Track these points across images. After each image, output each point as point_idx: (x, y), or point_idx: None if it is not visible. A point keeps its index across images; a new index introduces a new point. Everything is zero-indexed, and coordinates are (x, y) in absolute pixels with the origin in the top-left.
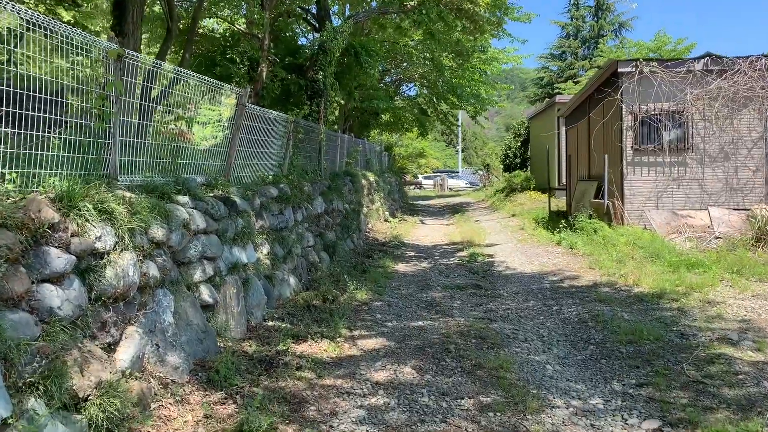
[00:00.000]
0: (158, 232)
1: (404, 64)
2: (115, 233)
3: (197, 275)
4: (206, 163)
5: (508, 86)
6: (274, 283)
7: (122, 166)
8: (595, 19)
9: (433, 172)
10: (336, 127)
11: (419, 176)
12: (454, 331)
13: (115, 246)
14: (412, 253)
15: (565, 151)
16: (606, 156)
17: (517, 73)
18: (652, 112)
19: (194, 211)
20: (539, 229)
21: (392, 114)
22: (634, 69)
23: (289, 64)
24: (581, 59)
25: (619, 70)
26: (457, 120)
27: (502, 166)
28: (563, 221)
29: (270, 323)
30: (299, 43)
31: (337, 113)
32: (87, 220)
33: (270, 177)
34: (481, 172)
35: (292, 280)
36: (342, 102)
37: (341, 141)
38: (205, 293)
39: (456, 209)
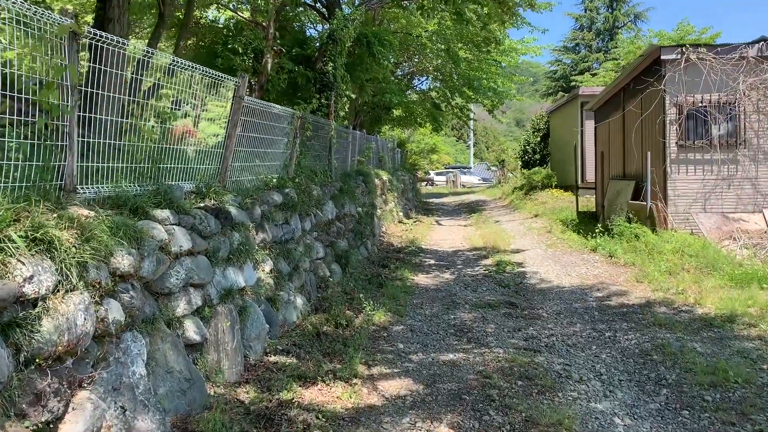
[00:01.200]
0: (124, 260)
1: (416, 58)
2: (57, 270)
3: (181, 308)
4: (198, 167)
5: (526, 78)
6: (278, 307)
7: (86, 173)
8: (610, 10)
9: (445, 168)
10: (346, 123)
11: (431, 173)
12: (493, 368)
13: (56, 288)
14: (432, 261)
15: (594, 147)
16: (649, 153)
17: (527, 67)
18: (700, 104)
19: (177, 228)
20: (568, 232)
21: (405, 108)
22: (679, 56)
23: (297, 56)
24: (596, 52)
25: (662, 57)
26: (472, 114)
27: (520, 162)
28: (599, 225)
29: (273, 358)
30: (307, 35)
31: (347, 108)
32: (11, 254)
33: (274, 180)
34: (494, 168)
35: (299, 300)
36: (353, 96)
37: (353, 138)
38: (191, 330)
39: (472, 208)
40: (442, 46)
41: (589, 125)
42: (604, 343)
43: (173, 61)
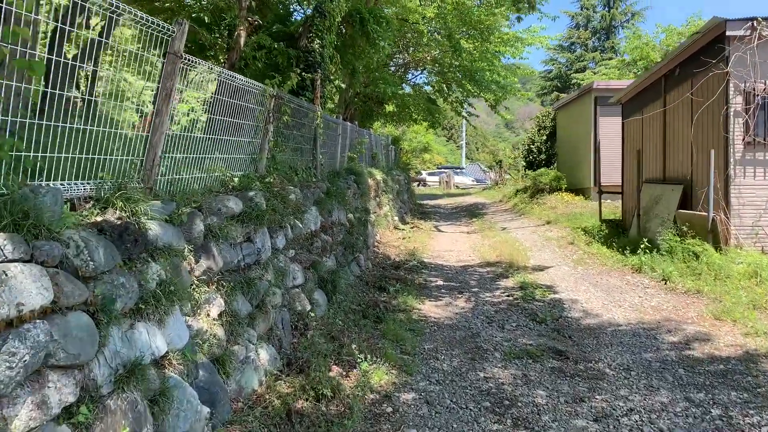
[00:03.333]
0: None
1: (411, 49)
2: None
3: (23, 418)
4: (107, 158)
5: (532, 71)
6: (229, 371)
7: None
8: (607, 8)
9: (437, 168)
10: (336, 115)
11: (423, 172)
12: None
13: None
14: (440, 282)
15: (621, 145)
16: (712, 152)
17: (515, 68)
18: None
19: (19, 268)
20: (596, 244)
21: (399, 103)
22: (749, 31)
23: (278, 32)
24: (592, 51)
25: (728, 33)
26: (472, 108)
27: (524, 163)
28: (644, 240)
29: None
30: (292, 16)
31: (336, 99)
32: None
33: (236, 180)
34: (486, 170)
35: (263, 355)
36: (343, 85)
37: (343, 130)
38: None
39: (472, 212)
40: (442, 34)
41: (605, 122)
42: (718, 429)
43: None
